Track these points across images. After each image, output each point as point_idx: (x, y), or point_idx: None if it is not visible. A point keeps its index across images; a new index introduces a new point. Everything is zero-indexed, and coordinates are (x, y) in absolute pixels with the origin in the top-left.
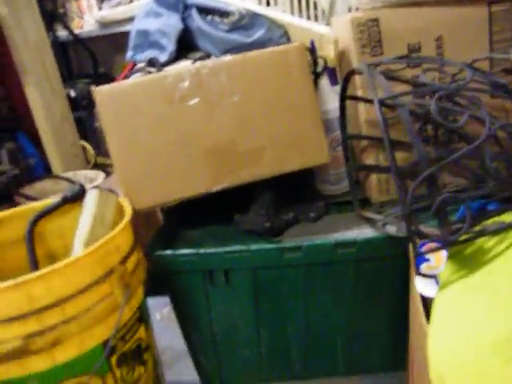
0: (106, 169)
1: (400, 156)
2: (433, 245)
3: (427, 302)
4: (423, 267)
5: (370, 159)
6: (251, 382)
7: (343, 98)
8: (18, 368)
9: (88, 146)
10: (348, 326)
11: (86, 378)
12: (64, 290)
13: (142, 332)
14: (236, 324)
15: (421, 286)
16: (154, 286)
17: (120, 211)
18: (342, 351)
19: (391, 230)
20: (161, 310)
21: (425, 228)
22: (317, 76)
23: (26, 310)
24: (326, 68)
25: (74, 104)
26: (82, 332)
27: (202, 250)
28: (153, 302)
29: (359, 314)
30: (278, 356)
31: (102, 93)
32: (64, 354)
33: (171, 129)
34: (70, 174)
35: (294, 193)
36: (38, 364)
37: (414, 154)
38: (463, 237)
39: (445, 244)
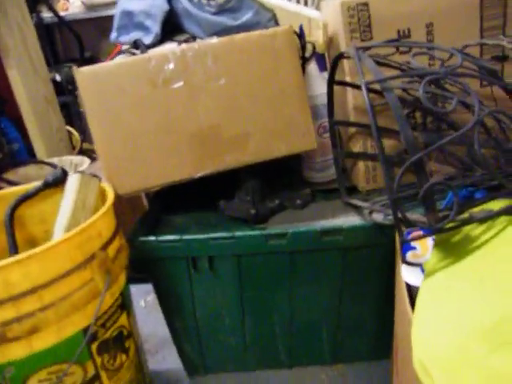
0: (91, 155)
1: (388, 143)
2: (419, 233)
3: (412, 291)
4: (409, 255)
5: (357, 146)
6: (235, 369)
7: (331, 83)
8: None
9: (73, 132)
10: (334, 314)
11: (65, 365)
12: (42, 276)
13: (123, 319)
14: (220, 312)
15: (406, 275)
16: (137, 273)
17: (102, 196)
18: (327, 340)
19: (378, 217)
20: (145, 297)
21: (411, 215)
22: (305, 61)
23: (2, 297)
24: (314, 53)
25: (59, 88)
26: (61, 319)
27: (185, 236)
28: (137, 290)
29: (345, 303)
30: (263, 344)
31: (83, 73)
32: (42, 342)
33: (155, 112)
34: (54, 160)
35: (280, 180)
36: (15, 351)
37: (402, 138)
38: (450, 224)
39: (431, 231)
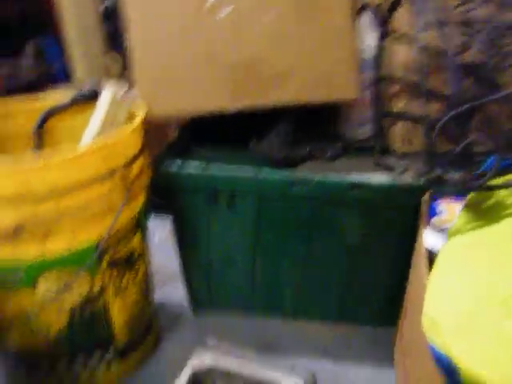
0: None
1: (433, 108)
2: (449, 197)
3: (431, 256)
4: (434, 220)
5: (399, 106)
6: (240, 312)
7: (383, 35)
8: (8, 252)
9: (115, 58)
10: (347, 272)
11: (74, 273)
12: (63, 182)
13: (136, 240)
14: (233, 250)
15: (428, 239)
16: (157, 198)
17: (133, 119)
18: (335, 297)
19: (408, 178)
20: (160, 232)
21: (446, 175)
22: (358, 11)
23: (21, 196)
24: (367, 5)
25: (106, 14)
26: (76, 227)
27: (210, 170)
28: (153, 224)
29: (360, 262)
30: (271, 290)
31: None
32: (55, 246)
33: (199, 37)
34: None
35: (314, 129)
36: (28, 252)
37: (451, 88)
38: (483, 185)
39: (465, 188)
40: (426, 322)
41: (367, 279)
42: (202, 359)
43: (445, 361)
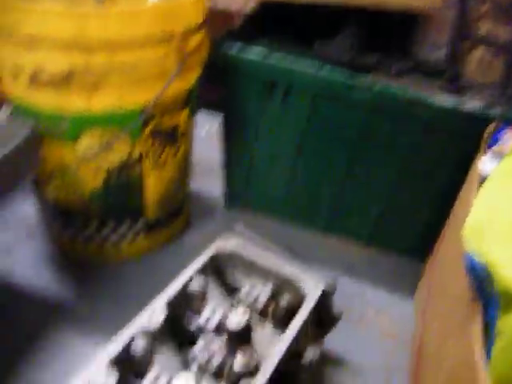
0: None
1: None
2: None
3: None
4: (494, 148)
5: (483, 29)
6: (273, 217)
7: None
8: (57, 99)
9: None
10: (388, 195)
11: (116, 133)
12: (118, 36)
13: (183, 117)
14: (278, 150)
15: (485, 165)
16: (206, 103)
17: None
18: (370, 218)
19: (477, 105)
20: (208, 127)
21: None
22: None
23: (76, 41)
24: None
25: None
26: (125, 86)
27: (271, 58)
28: (202, 119)
29: (404, 187)
30: (308, 200)
31: None
32: (101, 102)
33: None
34: None
35: (385, 43)
36: (75, 103)
37: None
38: None
39: None
40: (468, 229)
41: (407, 206)
42: (226, 243)
43: (478, 268)
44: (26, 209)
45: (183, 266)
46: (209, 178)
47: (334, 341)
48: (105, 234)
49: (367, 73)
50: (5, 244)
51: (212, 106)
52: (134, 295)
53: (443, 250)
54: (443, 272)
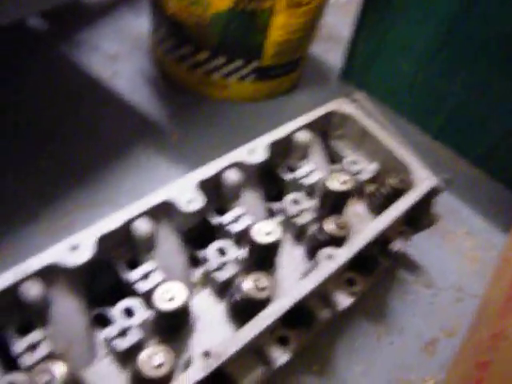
0: None
1: None
2: None
3: None
4: None
5: None
6: (385, 103)
7: None
8: None
9: None
10: None
11: None
12: None
13: None
14: (415, 37)
15: None
16: None
17: None
18: (488, 138)
19: None
20: None
21: None
22: None
23: None
24: None
25: None
26: None
27: None
28: None
29: None
30: (429, 103)
31: None
32: None
33: None
34: None
35: None
36: None
37: None
38: None
39: None
40: None
41: None
42: (341, 106)
43: None
44: (138, 24)
45: (288, 120)
46: (331, 46)
47: (416, 247)
48: (213, 66)
49: None
50: (113, 51)
51: None
52: (230, 136)
53: None
54: None
